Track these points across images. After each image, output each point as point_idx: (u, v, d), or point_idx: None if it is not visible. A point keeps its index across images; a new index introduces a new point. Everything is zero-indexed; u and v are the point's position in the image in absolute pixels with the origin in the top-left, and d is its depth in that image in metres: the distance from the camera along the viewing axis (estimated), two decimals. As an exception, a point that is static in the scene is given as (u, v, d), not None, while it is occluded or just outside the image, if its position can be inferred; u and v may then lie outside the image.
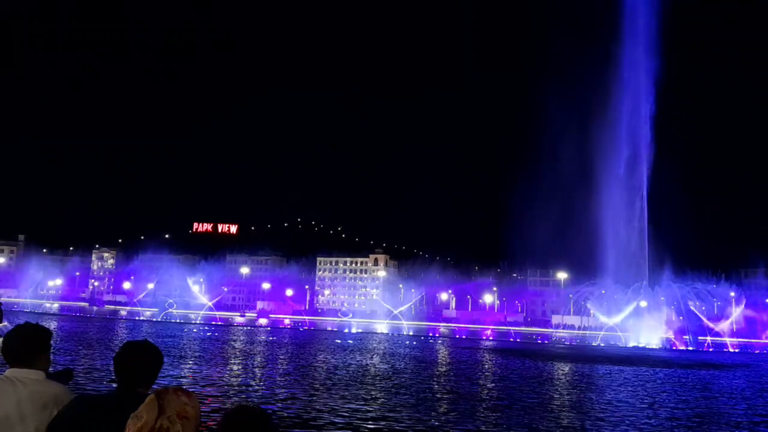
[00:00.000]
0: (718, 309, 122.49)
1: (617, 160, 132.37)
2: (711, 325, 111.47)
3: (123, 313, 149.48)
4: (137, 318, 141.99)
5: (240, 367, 42.38)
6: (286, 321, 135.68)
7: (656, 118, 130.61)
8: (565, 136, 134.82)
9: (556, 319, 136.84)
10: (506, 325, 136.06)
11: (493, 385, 37.84)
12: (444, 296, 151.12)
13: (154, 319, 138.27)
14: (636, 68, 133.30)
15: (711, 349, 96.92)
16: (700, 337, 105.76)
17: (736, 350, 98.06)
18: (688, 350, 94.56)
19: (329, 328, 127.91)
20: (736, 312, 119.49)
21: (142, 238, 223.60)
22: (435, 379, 39.45)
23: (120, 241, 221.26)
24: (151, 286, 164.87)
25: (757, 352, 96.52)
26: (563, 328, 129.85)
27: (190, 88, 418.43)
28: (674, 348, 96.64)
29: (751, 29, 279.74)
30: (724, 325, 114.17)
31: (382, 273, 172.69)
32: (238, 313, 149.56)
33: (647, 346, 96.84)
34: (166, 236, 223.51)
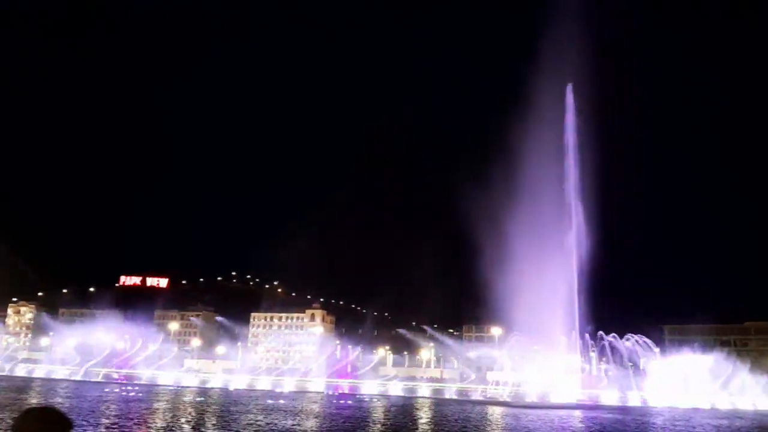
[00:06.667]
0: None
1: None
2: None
3: (39, 372, 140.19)
4: (53, 377, 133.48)
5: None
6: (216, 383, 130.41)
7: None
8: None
9: (491, 375, 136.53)
10: (442, 382, 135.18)
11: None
12: (381, 352, 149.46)
13: (72, 378, 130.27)
14: None
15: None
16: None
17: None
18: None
19: (261, 387, 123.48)
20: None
21: (64, 291, 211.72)
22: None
23: (40, 294, 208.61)
24: (72, 343, 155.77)
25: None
26: (499, 385, 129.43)
27: (128, 142, 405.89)
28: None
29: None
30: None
31: (318, 329, 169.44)
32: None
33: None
34: (90, 289, 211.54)
